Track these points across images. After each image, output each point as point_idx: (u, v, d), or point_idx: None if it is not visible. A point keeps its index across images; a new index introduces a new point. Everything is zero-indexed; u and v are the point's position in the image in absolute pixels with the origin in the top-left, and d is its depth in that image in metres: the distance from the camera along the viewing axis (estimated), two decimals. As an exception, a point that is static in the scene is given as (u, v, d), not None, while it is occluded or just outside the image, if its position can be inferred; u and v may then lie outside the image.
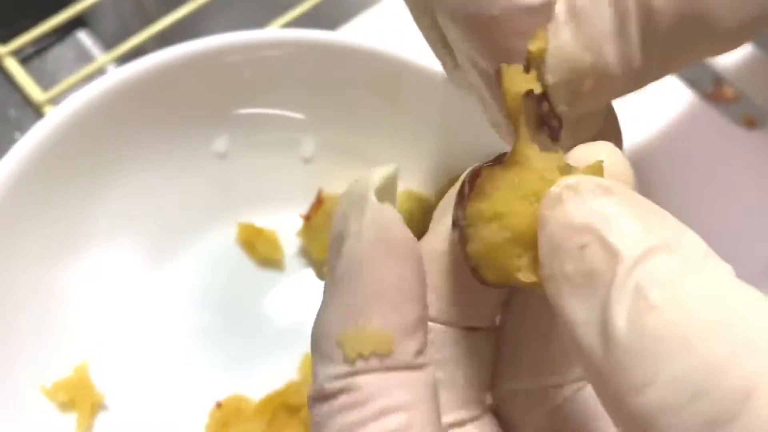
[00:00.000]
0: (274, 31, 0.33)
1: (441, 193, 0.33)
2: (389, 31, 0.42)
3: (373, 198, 0.16)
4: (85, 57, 0.41)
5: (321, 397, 0.15)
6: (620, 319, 0.12)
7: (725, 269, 0.13)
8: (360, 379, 0.15)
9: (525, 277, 0.14)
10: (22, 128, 0.29)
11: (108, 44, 0.41)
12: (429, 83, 0.32)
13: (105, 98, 0.30)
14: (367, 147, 0.34)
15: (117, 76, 0.31)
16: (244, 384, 0.32)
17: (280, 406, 0.31)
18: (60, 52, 0.41)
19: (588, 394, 0.17)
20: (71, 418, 0.30)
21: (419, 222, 0.32)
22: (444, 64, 0.22)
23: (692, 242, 0.13)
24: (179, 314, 0.33)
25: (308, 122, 0.34)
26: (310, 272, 0.34)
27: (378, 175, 0.16)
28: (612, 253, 0.12)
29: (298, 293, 0.34)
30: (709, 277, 0.12)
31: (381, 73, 0.32)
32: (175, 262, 0.34)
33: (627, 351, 0.12)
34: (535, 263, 0.14)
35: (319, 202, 0.33)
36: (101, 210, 0.32)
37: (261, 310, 0.34)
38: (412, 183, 0.34)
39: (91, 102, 0.30)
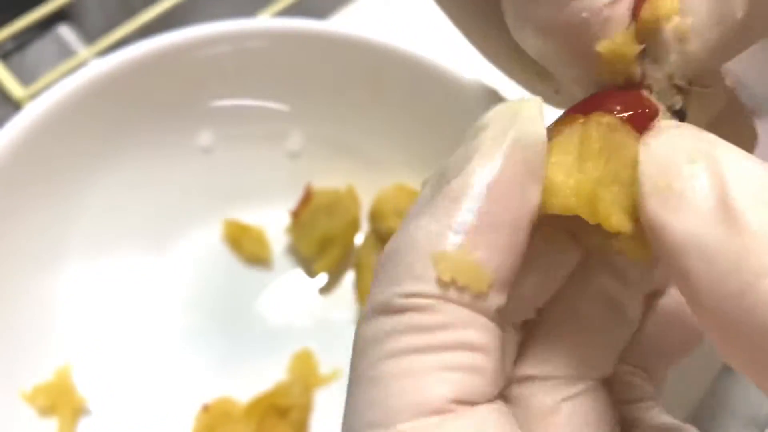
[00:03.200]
0: (258, 21, 0.32)
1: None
2: (377, 21, 0.41)
3: (533, 116, 0.15)
4: (67, 51, 0.40)
5: (386, 310, 0.14)
6: (751, 217, 0.12)
7: None
8: (444, 306, 0.14)
9: (617, 222, 0.14)
10: (2, 125, 0.29)
11: (90, 38, 0.40)
12: (418, 74, 0.31)
13: (84, 92, 0.29)
14: (356, 139, 0.33)
15: (96, 68, 0.30)
16: (231, 386, 0.31)
17: (269, 407, 0.30)
18: (41, 46, 0.40)
19: (597, 396, 0.17)
20: (52, 424, 0.29)
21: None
22: (545, 98, 0.22)
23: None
24: (163, 315, 0.32)
25: (295, 115, 0.33)
26: (299, 271, 0.34)
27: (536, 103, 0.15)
28: (722, 169, 0.13)
29: (287, 292, 0.33)
30: None
31: (369, 63, 0.31)
32: (159, 262, 0.33)
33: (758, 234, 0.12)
34: (629, 209, 0.14)
35: (307, 197, 0.33)
36: (82, 209, 0.31)
37: (248, 309, 0.33)
38: (402, 175, 0.33)
39: (70, 96, 0.29)
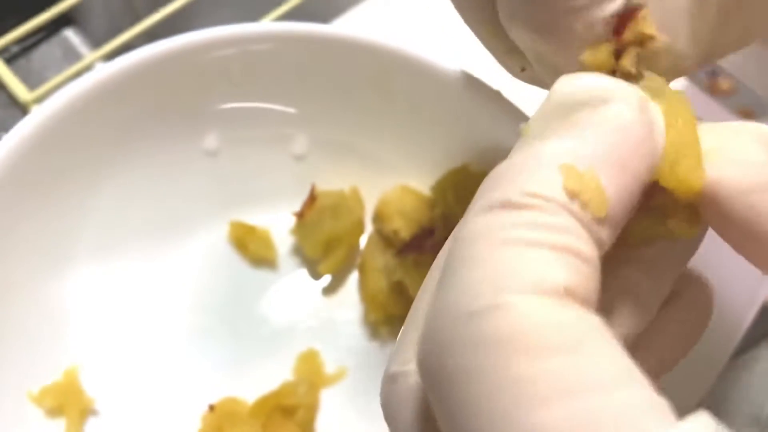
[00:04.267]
0: (264, 25, 0.32)
1: (436, 188, 0.32)
2: (382, 25, 0.42)
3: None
4: (73, 55, 0.40)
5: (505, 205, 0.14)
6: None
7: None
8: (564, 213, 0.14)
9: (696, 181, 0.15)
10: (8, 129, 0.29)
11: (96, 42, 0.41)
12: (423, 76, 0.31)
13: (90, 95, 0.30)
14: (361, 142, 0.34)
15: (102, 72, 0.30)
16: (237, 386, 0.31)
17: (275, 407, 0.30)
18: (47, 50, 0.40)
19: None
20: (59, 425, 0.29)
21: (414, 217, 0.32)
22: (508, 68, 0.24)
23: None
24: (170, 316, 0.32)
25: (300, 117, 0.33)
26: (304, 271, 0.34)
27: None
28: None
29: (292, 293, 0.33)
30: None
31: (374, 66, 0.31)
32: (166, 263, 0.33)
33: None
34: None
35: (312, 198, 0.33)
36: (88, 212, 0.31)
37: (254, 310, 0.33)
38: (406, 177, 0.33)
39: (76, 99, 0.29)
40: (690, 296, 0.19)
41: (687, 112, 0.16)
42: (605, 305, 0.17)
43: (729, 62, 0.44)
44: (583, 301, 0.13)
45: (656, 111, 0.15)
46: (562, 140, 0.15)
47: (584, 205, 0.14)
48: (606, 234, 0.14)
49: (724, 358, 0.33)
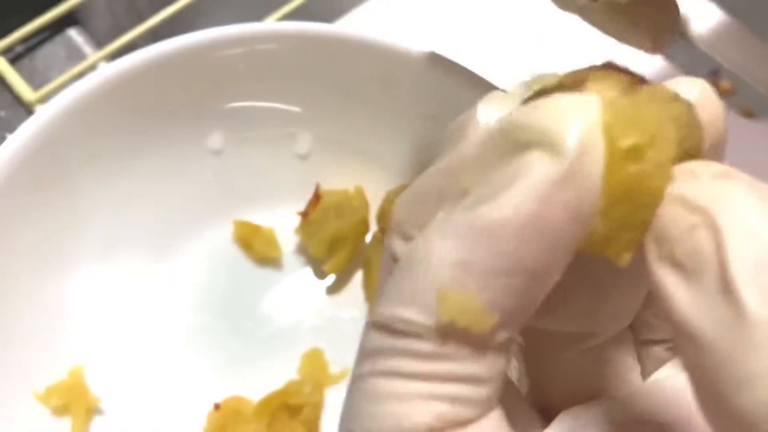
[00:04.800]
0: (268, 25, 0.33)
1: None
2: (386, 24, 0.42)
3: (592, 141, 0.12)
4: (77, 55, 0.40)
5: (385, 328, 0.14)
6: (750, 296, 0.11)
7: None
8: (441, 340, 0.13)
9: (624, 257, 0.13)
10: (13, 129, 0.29)
11: (100, 42, 0.41)
12: (427, 75, 0.31)
13: (94, 95, 0.30)
14: (365, 141, 0.34)
15: (106, 72, 0.30)
16: (242, 385, 0.31)
17: (280, 406, 0.30)
18: (50, 50, 0.40)
19: (616, 350, 0.17)
20: (65, 424, 0.29)
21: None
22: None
23: None
24: (176, 315, 0.32)
25: (305, 116, 0.33)
26: (309, 270, 0.34)
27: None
28: (723, 235, 0.12)
29: (297, 292, 0.33)
30: None
31: (379, 65, 0.32)
32: (171, 262, 0.33)
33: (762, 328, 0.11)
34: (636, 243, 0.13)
35: (316, 198, 0.33)
36: (93, 211, 0.31)
37: (259, 309, 0.33)
38: (410, 176, 0.33)
39: (80, 99, 0.29)
40: None
41: (665, 146, 0.13)
42: (597, 279, 0.16)
43: (729, 61, 0.44)
44: (468, 420, 0.13)
45: (598, 165, 0.12)
46: (453, 246, 0.13)
47: (463, 330, 0.13)
48: (503, 335, 0.13)
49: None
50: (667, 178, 0.13)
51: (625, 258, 0.13)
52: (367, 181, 0.34)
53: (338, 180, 0.34)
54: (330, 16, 0.42)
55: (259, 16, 0.40)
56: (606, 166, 0.13)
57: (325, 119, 0.33)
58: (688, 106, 0.14)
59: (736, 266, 0.11)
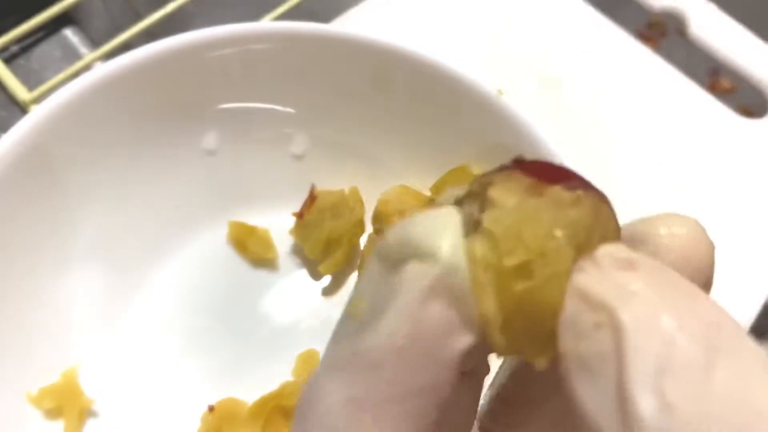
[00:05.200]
0: (263, 24, 0.32)
1: (436, 188, 0.32)
2: (382, 24, 0.42)
3: (453, 254, 0.13)
4: (72, 55, 0.40)
5: None
6: (645, 403, 0.11)
7: (760, 357, 0.11)
8: None
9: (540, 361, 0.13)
10: (8, 129, 0.29)
11: (95, 42, 0.41)
12: (423, 76, 0.31)
13: (89, 95, 0.30)
14: (360, 142, 0.34)
15: (101, 71, 0.30)
16: (237, 386, 0.31)
17: (275, 408, 0.30)
18: (46, 50, 0.40)
19: None
20: (58, 426, 0.29)
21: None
22: None
23: (724, 325, 0.11)
24: (169, 316, 0.32)
25: (300, 117, 0.33)
26: (304, 272, 0.34)
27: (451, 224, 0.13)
28: (623, 334, 0.11)
29: (292, 293, 0.33)
30: (737, 371, 0.11)
31: (374, 65, 0.31)
32: (165, 263, 0.33)
33: None
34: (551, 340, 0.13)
35: (311, 198, 0.33)
36: (87, 212, 0.31)
37: (254, 310, 0.33)
38: (406, 177, 0.33)
39: (75, 99, 0.29)
40: None
41: (557, 258, 0.13)
42: None
43: (729, 60, 0.44)
44: None
45: (462, 297, 0.12)
46: (341, 385, 0.13)
47: None
48: None
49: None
50: (562, 289, 0.12)
51: (541, 362, 0.13)
52: (362, 181, 0.33)
53: (333, 181, 0.33)
54: (326, 16, 0.41)
55: (255, 16, 0.40)
56: (495, 285, 0.12)
57: (321, 120, 0.33)
58: (594, 206, 0.13)
59: (634, 371, 0.11)
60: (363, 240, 0.33)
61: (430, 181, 0.33)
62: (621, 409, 0.11)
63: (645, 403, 0.11)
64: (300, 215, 0.33)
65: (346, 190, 0.33)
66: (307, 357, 0.32)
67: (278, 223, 0.34)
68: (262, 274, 0.33)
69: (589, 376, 0.12)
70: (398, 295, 0.13)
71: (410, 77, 0.31)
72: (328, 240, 0.32)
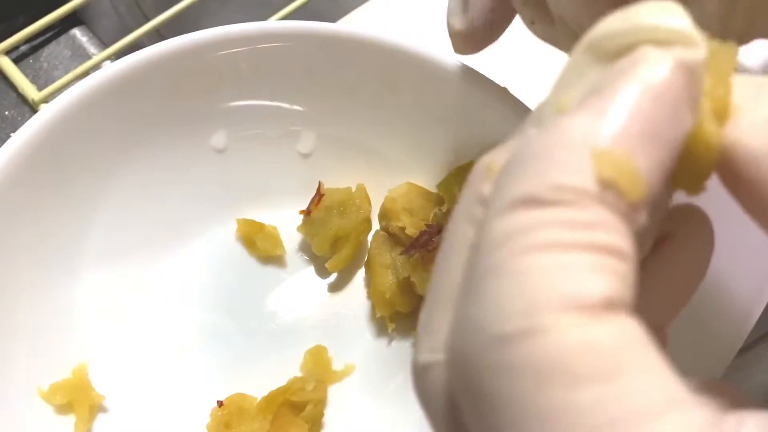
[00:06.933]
0: (271, 24, 0.33)
1: (443, 186, 0.32)
2: (388, 23, 0.42)
3: (694, 36, 0.14)
4: (81, 55, 0.41)
5: (530, 201, 0.12)
6: None
7: None
8: (598, 206, 0.12)
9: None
10: (18, 128, 0.29)
11: (104, 42, 0.41)
12: (430, 73, 0.31)
13: (98, 94, 0.30)
14: (368, 139, 0.34)
15: (110, 71, 0.30)
16: (245, 382, 0.31)
17: (284, 404, 0.30)
18: (55, 50, 0.41)
19: None
20: (69, 421, 0.29)
21: (421, 214, 0.32)
22: (525, 19, 0.23)
23: None
24: (178, 313, 0.32)
25: (307, 115, 0.34)
26: (312, 268, 0.34)
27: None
28: None
29: (300, 289, 0.33)
30: None
31: (381, 64, 0.32)
32: (174, 261, 0.33)
33: None
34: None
35: (319, 196, 0.33)
36: (97, 210, 0.32)
37: (262, 307, 0.33)
38: (412, 175, 0.33)
39: (84, 98, 0.30)
40: (685, 235, 0.17)
41: (728, 68, 0.14)
42: None
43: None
44: (623, 306, 0.12)
45: (700, 69, 0.14)
46: (591, 114, 0.13)
47: (621, 194, 0.12)
48: (645, 217, 0.13)
49: (732, 352, 0.33)
50: None
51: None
52: (369, 179, 0.34)
53: (341, 178, 0.34)
54: (334, 15, 0.42)
55: (262, 15, 0.41)
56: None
57: (328, 118, 0.33)
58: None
59: None
60: (370, 237, 0.34)
61: (437, 179, 0.33)
62: None
63: None
64: (307, 212, 0.33)
65: (354, 188, 0.33)
66: (315, 353, 0.32)
67: (286, 221, 0.34)
68: (270, 270, 0.34)
69: None
70: (649, 54, 0.13)
71: (417, 75, 0.31)
72: (336, 237, 0.33)
